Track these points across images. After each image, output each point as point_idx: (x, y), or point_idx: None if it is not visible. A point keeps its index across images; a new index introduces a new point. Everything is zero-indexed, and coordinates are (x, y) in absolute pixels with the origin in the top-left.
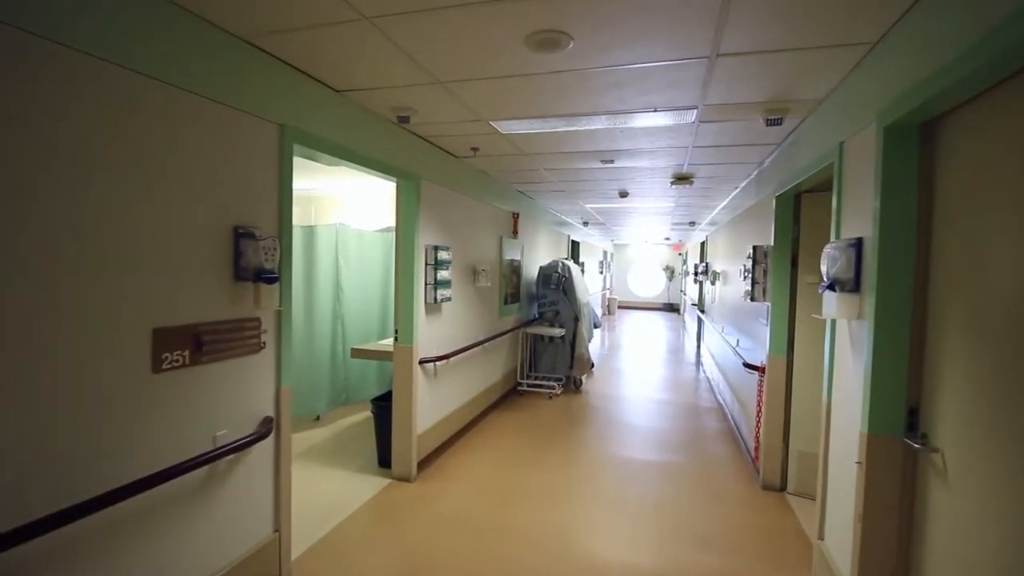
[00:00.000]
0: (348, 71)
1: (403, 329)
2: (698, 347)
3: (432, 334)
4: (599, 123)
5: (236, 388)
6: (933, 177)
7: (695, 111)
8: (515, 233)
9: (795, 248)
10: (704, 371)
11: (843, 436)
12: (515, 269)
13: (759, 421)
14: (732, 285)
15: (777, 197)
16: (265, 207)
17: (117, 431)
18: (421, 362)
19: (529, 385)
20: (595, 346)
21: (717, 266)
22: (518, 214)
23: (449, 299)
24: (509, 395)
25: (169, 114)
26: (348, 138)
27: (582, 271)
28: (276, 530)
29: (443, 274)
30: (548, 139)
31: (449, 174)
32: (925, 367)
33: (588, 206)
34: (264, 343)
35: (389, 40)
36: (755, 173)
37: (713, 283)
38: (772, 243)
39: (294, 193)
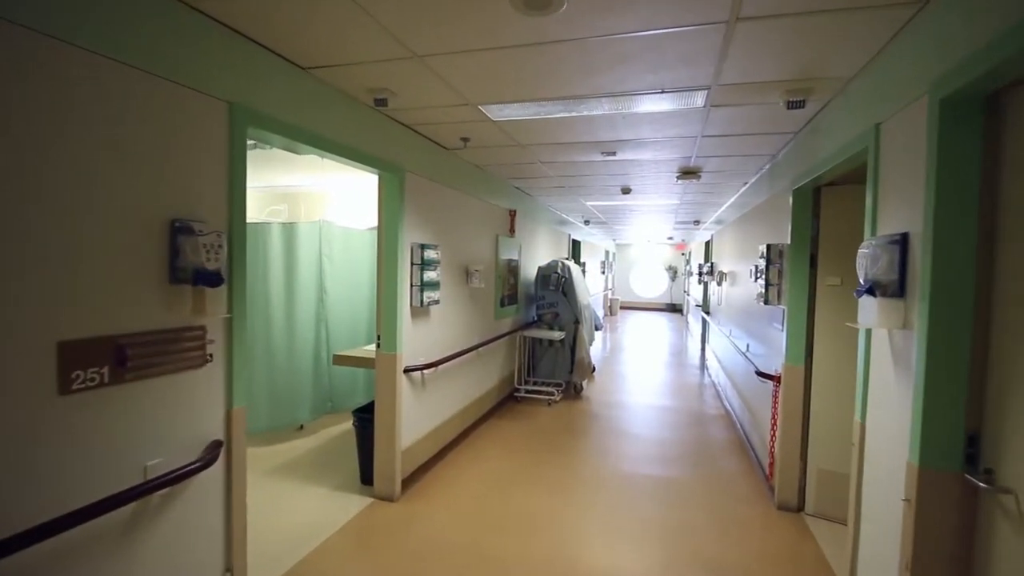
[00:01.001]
0: (308, 43)
1: (386, 335)
2: (702, 350)
3: (419, 340)
4: (599, 108)
5: (174, 409)
6: (1000, 159)
7: (706, 93)
8: (512, 231)
9: (814, 247)
10: (709, 375)
11: (882, 465)
12: (512, 269)
13: (774, 435)
14: (741, 286)
15: (794, 191)
16: (211, 198)
17: (8, 466)
18: (406, 370)
19: (527, 391)
20: (597, 348)
21: (724, 266)
22: (515, 211)
23: (437, 302)
24: (506, 402)
25: (80, 80)
26: (319, 123)
27: (583, 271)
28: (228, 570)
29: (431, 275)
30: (544, 127)
31: (438, 167)
32: (989, 387)
33: (589, 203)
34: (211, 356)
35: (354, 2)
36: (767, 167)
37: (719, 284)
38: (788, 242)
39: (280, 190)
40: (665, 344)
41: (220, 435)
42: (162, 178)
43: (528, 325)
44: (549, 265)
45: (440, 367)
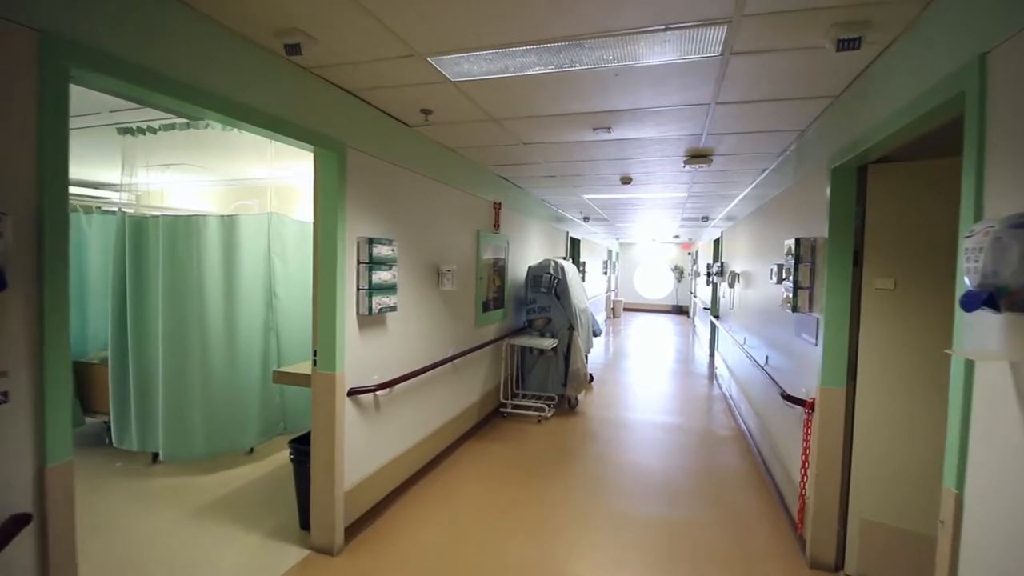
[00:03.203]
0: None
1: (323, 350)
2: (711, 356)
3: (369, 355)
4: (584, 58)
5: None
6: None
7: (724, 30)
8: (497, 226)
9: (858, 241)
10: (720, 386)
11: (995, 558)
12: (499, 270)
13: (804, 473)
14: (758, 288)
15: (833, 171)
16: (5, 164)
17: None
18: (351, 393)
19: (515, 407)
20: (597, 353)
21: (736, 266)
22: (500, 204)
23: (394, 308)
24: (491, 419)
25: None
26: (201, 75)
27: (582, 271)
28: None
29: (384, 276)
30: (519, 92)
31: (396, 146)
32: None
33: (586, 197)
34: (4, 395)
35: None
36: (793, 147)
37: (731, 286)
38: (825, 235)
39: (250, 183)
40: (670, 349)
41: (27, 506)
42: None
43: (517, 332)
44: (541, 265)
45: (399, 386)
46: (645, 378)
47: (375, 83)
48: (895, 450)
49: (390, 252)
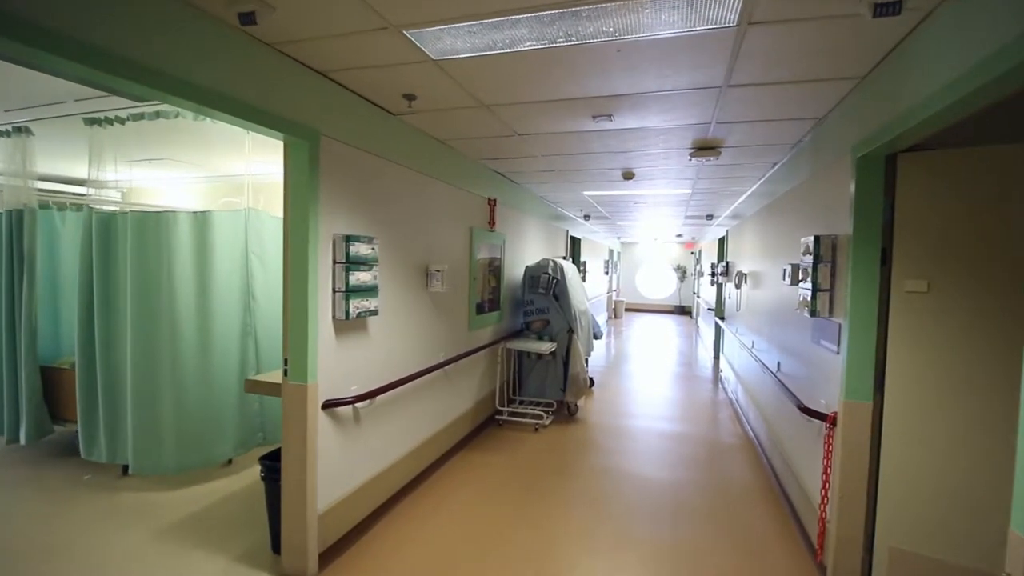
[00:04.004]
0: None
1: (295, 359)
2: (716, 359)
3: (347, 364)
4: (580, 28)
5: None
6: None
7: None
8: (492, 224)
9: (887, 238)
10: (726, 390)
11: None
12: (494, 270)
13: (825, 494)
14: (769, 290)
15: (858, 160)
16: None
17: None
18: (326, 405)
19: (511, 414)
20: (599, 356)
21: (743, 266)
22: (495, 200)
23: (375, 312)
24: (485, 427)
25: None
26: (145, 49)
27: (582, 271)
28: None
29: (363, 277)
30: (507, 72)
31: (377, 135)
32: None
33: (587, 193)
34: None
35: None
36: (808, 137)
37: (738, 286)
38: (849, 232)
39: (237, 179)
40: (673, 351)
41: None
42: None
43: (513, 335)
44: (538, 264)
45: (382, 397)
46: (648, 382)
47: (348, 62)
48: (929, 471)
49: (370, 251)
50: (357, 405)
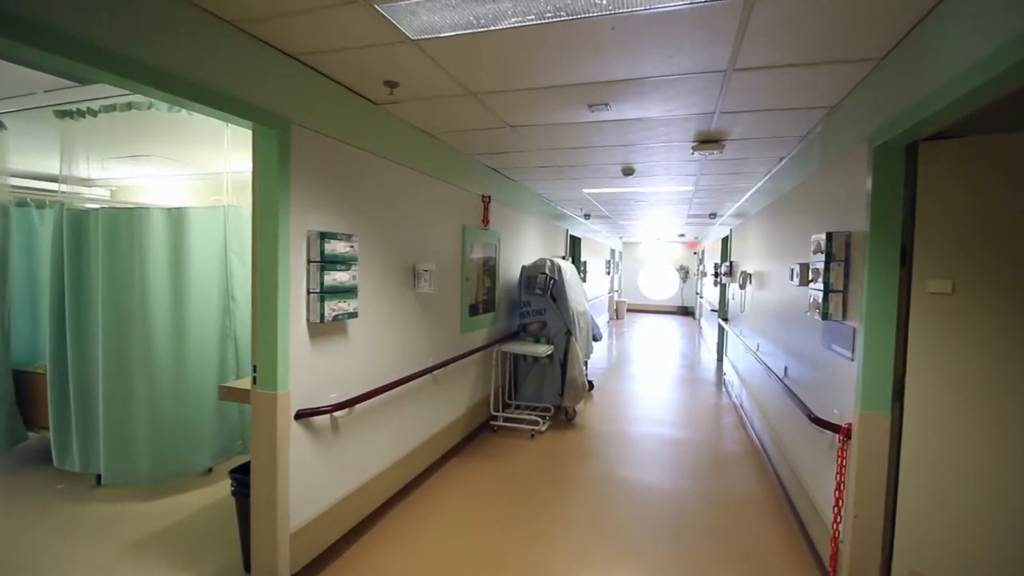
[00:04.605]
0: None
1: (264, 365)
2: (719, 361)
3: (324, 370)
4: (568, 1)
5: None
6: None
7: None
8: (486, 222)
9: (907, 234)
10: (729, 393)
11: None
12: (489, 269)
13: (838, 512)
14: (775, 291)
15: (876, 149)
16: None
17: None
18: (300, 416)
19: (506, 419)
20: (599, 357)
21: (748, 266)
22: (489, 198)
23: (355, 314)
24: (479, 433)
25: None
26: (94, 26)
27: (583, 271)
28: None
29: (341, 277)
30: (493, 54)
31: (360, 127)
32: None
33: (586, 191)
34: None
35: None
36: (819, 128)
37: (742, 287)
38: (865, 228)
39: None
40: (676, 353)
41: None
42: None
43: (509, 337)
44: (535, 264)
45: (364, 404)
46: (649, 385)
47: (318, 44)
48: (954, 490)
49: (349, 249)
50: (335, 414)
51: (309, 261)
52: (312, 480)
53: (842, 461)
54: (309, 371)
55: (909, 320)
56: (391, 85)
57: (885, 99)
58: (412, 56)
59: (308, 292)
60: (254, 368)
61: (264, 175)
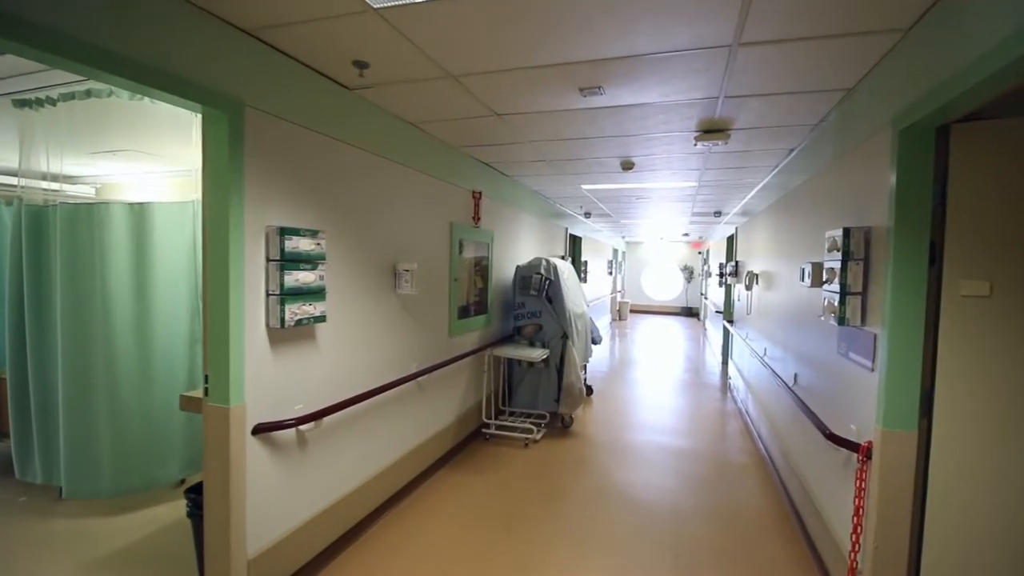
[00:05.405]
0: None
1: (215, 376)
2: (724, 364)
3: (288, 380)
4: None
5: None
6: None
7: None
8: (476, 219)
9: (937, 230)
10: (735, 399)
11: None
12: (481, 269)
13: (857, 540)
14: (783, 292)
15: (901, 133)
16: None
17: None
18: (259, 430)
19: (499, 427)
20: (600, 360)
21: (755, 265)
22: (480, 193)
23: (322, 318)
24: (471, 441)
25: None
26: None
27: (584, 271)
28: None
29: (304, 277)
30: (468, 25)
31: (332, 114)
32: None
33: (585, 187)
34: None
35: None
36: (833, 115)
37: (748, 288)
38: (888, 222)
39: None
40: (679, 356)
41: None
42: None
43: (503, 341)
44: (530, 264)
45: (335, 416)
46: (651, 390)
47: (274, 17)
48: (991, 522)
49: (315, 247)
50: (301, 428)
51: (268, 260)
52: (274, 501)
53: (861, 484)
54: (270, 381)
55: (939, 326)
56: (361, 66)
57: (912, 75)
58: (378, 29)
59: (267, 294)
60: (206, 379)
61: (214, 163)
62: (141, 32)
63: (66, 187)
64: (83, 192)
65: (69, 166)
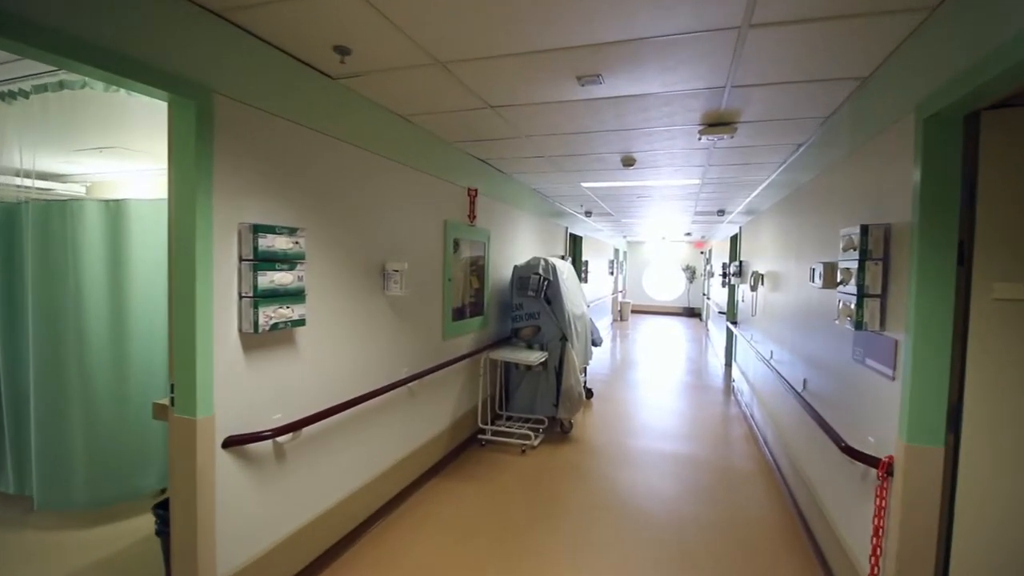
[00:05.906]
0: None
1: (181, 385)
2: (728, 367)
3: (265, 388)
4: None
5: None
6: None
7: None
8: (472, 218)
9: (966, 228)
10: (739, 402)
11: None
12: (477, 269)
13: (876, 563)
14: (791, 293)
15: (926, 121)
16: None
17: None
18: (230, 443)
19: (495, 433)
20: (601, 362)
21: (760, 265)
22: (476, 191)
23: (301, 322)
24: (466, 448)
25: None
26: None
27: (584, 271)
28: None
29: (281, 278)
30: (454, 7)
31: (313, 105)
32: None
33: (585, 185)
34: None
35: None
36: (846, 107)
37: (753, 288)
38: (911, 218)
39: None
40: (682, 357)
41: None
42: None
43: (500, 343)
44: (528, 264)
45: (315, 426)
46: (653, 393)
47: None
48: None
49: (292, 245)
50: (279, 439)
51: (241, 259)
52: (247, 518)
53: (881, 503)
54: (243, 391)
55: (968, 332)
56: (342, 52)
57: (938, 58)
58: (357, 9)
59: (240, 296)
60: (171, 388)
61: (180, 155)
62: (100, 13)
63: (56, 186)
64: (73, 191)
65: (56, 164)
